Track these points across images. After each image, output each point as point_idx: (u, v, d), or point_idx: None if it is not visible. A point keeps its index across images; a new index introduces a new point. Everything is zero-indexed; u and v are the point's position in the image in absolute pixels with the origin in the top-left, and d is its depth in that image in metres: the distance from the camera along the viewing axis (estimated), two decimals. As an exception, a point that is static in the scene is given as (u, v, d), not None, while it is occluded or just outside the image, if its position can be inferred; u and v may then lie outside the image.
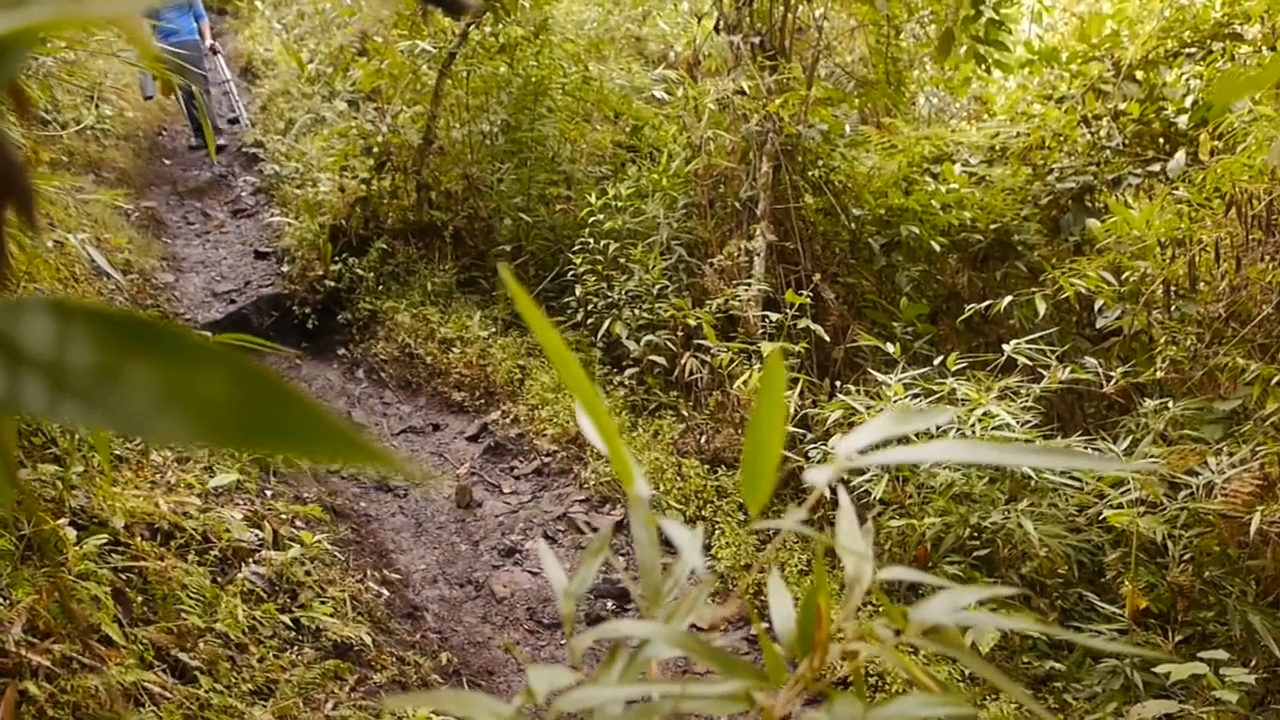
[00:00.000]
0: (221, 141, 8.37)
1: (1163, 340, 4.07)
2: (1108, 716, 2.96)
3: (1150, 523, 3.15)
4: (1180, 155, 4.82)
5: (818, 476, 0.74)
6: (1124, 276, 4.28)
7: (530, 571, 4.00)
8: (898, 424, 0.76)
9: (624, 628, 0.67)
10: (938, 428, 3.29)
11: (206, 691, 2.33)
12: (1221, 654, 2.79)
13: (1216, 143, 4.54)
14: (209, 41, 8.10)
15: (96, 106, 7.65)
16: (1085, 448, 3.49)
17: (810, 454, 3.89)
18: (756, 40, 5.50)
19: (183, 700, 2.23)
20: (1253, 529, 3.06)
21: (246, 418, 0.27)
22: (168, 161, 8.33)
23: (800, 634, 0.75)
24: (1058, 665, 3.36)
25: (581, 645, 0.69)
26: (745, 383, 4.31)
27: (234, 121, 8.73)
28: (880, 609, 0.74)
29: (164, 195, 7.67)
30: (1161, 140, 5.37)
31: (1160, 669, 2.83)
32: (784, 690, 0.70)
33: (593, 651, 3.06)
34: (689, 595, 0.73)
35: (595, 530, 4.18)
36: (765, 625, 0.75)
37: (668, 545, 0.81)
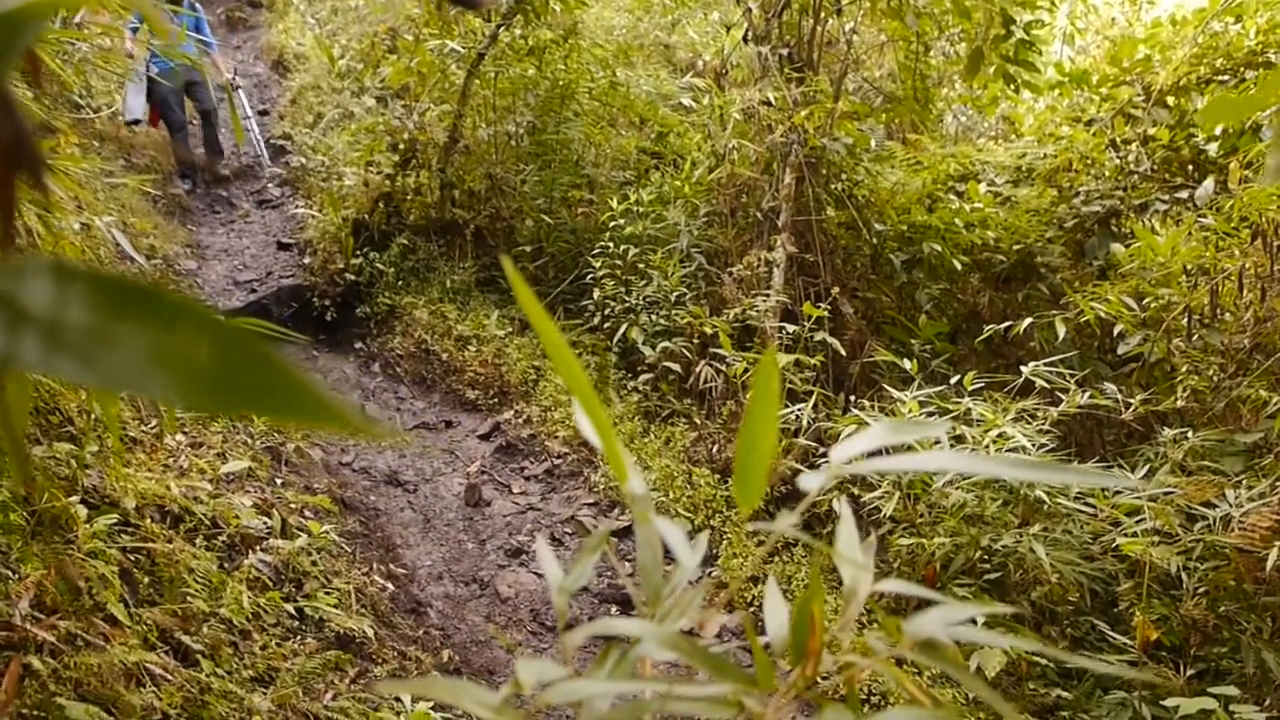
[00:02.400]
0: (226, 172, 7.89)
1: (1184, 369, 4.02)
2: (1113, 747, 2.92)
3: (1163, 553, 3.10)
4: (1209, 183, 4.76)
5: (811, 482, 0.73)
6: (1145, 302, 4.24)
7: (536, 573, 4.00)
8: (893, 434, 0.75)
9: (616, 626, 0.67)
10: (942, 441, 3.26)
11: (207, 675, 2.34)
12: (1233, 690, 2.74)
13: (1246, 171, 4.48)
14: (226, 75, 7.67)
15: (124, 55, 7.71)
16: (1104, 476, 3.44)
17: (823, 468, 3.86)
18: (784, 52, 5.50)
19: (183, 683, 2.24)
20: (1269, 564, 3.01)
21: (228, 379, 0.28)
22: (198, 151, 8.42)
23: (794, 642, 0.75)
24: (1065, 694, 3.31)
25: (574, 642, 0.68)
26: (759, 393, 4.29)
27: (250, 166, 8.23)
28: (878, 622, 0.74)
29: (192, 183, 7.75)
30: (1190, 167, 5.31)
31: (1169, 703, 2.78)
32: (775, 697, 0.69)
33: (591, 654, 3.06)
34: (684, 597, 0.73)
35: (602, 534, 4.18)
36: (762, 634, 0.75)
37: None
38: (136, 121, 7.03)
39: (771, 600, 0.77)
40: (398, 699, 2.68)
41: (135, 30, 7.02)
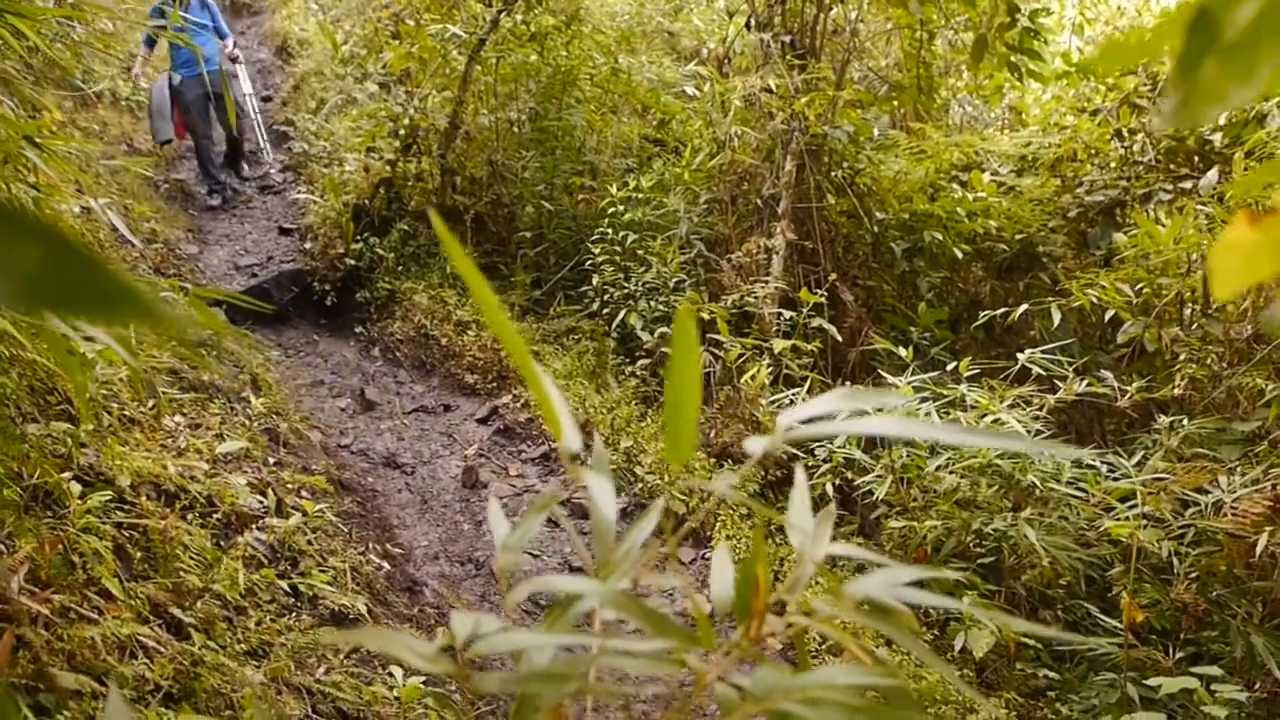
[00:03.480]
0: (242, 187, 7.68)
1: (1183, 357, 4.02)
2: (1100, 729, 2.94)
3: (1151, 536, 3.11)
4: (1213, 173, 4.74)
5: (755, 446, 0.74)
6: (1139, 288, 4.23)
7: (530, 554, 4.03)
8: (843, 401, 0.76)
9: (557, 582, 0.68)
10: (891, 409, 3.25)
11: (200, 649, 2.37)
12: (1215, 670, 2.76)
13: (1250, 161, 4.46)
14: (229, 46, 7.42)
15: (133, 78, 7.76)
16: (1096, 461, 3.45)
17: (815, 450, 3.88)
18: (787, 39, 5.48)
19: (175, 655, 2.27)
20: (1260, 550, 3.01)
21: (58, 285, 0.31)
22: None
23: (739, 602, 0.76)
24: (1054, 676, 3.33)
25: (517, 598, 0.70)
26: (753, 378, 4.31)
27: (254, 153, 8.07)
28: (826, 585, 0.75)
29: (194, 169, 7.78)
30: (1195, 158, 5.28)
31: (1153, 681, 2.80)
32: (717, 655, 0.70)
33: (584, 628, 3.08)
34: (628, 557, 0.74)
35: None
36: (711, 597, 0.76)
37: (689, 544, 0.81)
38: (168, 141, 6.93)
39: (718, 563, 0.78)
40: (390, 674, 2.71)
41: (152, 44, 6.94)
